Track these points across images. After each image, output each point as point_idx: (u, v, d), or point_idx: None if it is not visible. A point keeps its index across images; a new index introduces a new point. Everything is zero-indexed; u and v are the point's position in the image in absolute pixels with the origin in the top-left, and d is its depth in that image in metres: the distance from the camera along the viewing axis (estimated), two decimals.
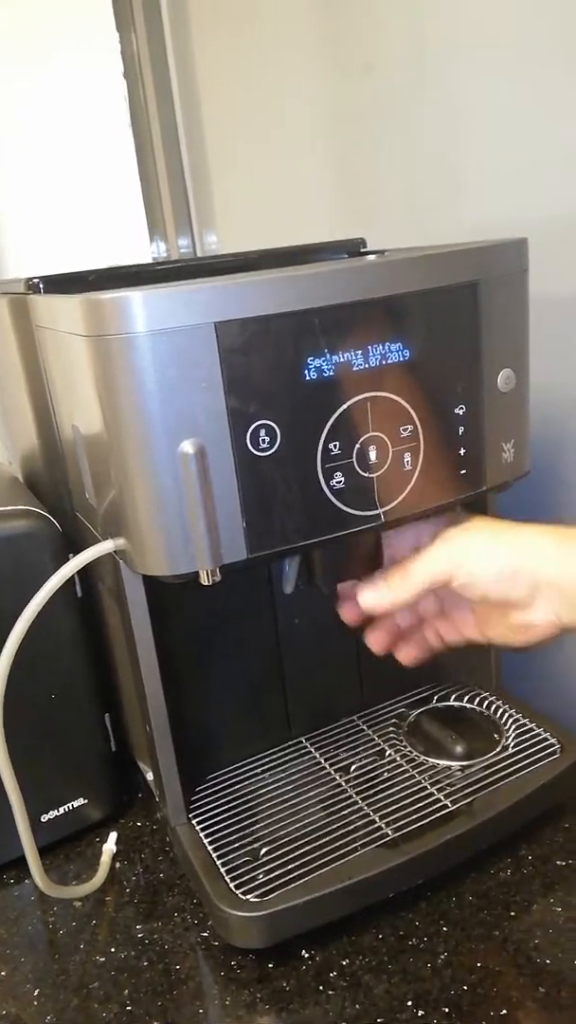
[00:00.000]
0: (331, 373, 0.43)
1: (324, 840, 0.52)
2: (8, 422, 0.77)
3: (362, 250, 0.65)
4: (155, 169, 1.15)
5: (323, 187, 0.85)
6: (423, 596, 0.49)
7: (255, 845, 0.53)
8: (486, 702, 0.64)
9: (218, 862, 0.51)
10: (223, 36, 0.96)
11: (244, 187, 1.00)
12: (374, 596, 0.49)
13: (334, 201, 0.84)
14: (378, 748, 0.61)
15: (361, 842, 0.51)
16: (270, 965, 0.49)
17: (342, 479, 0.45)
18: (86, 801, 0.61)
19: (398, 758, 0.60)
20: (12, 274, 1.06)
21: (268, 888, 0.49)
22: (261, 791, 0.58)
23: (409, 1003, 0.45)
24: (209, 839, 0.53)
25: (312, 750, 0.62)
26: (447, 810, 0.53)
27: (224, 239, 1.09)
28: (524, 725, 0.60)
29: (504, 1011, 0.44)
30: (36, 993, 0.49)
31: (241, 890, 0.49)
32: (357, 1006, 0.45)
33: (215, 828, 0.55)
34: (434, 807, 0.54)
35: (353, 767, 0.59)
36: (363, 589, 0.50)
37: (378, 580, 0.50)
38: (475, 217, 0.66)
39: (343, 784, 0.58)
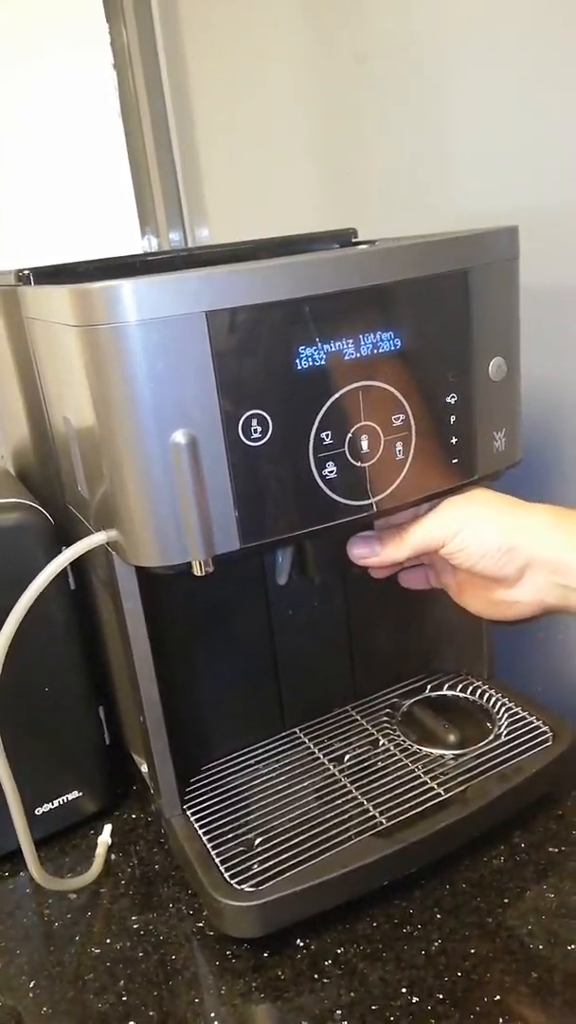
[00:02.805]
0: (323, 362, 0.43)
1: (318, 829, 0.52)
2: (0, 415, 0.77)
3: (353, 240, 0.65)
4: (146, 162, 1.15)
5: (315, 179, 0.84)
6: (415, 558, 0.51)
7: (249, 835, 0.53)
8: (478, 691, 0.64)
9: (212, 852, 0.51)
10: (213, 28, 0.96)
11: (235, 180, 1.00)
12: (367, 552, 0.51)
13: (326, 193, 0.84)
14: (371, 738, 0.61)
15: (355, 831, 0.52)
16: (265, 954, 0.49)
17: (334, 469, 0.45)
18: (80, 794, 0.61)
19: (391, 747, 0.60)
20: (2, 268, 1.06)
21: (263, 878, 0.49)
22: (255, 782, 0.58)
23: (404, 990, 0.45)
24: (203, 830, 0.54)
25: (306, 740, 0.62)
26: (441, 798, 0.53)
27: (216, 233, 1.09)
28: (516, 713, 0.61)
29: (498, 997, 0.44)
30: (32, 985, 0.49)
31: (236, 880, 0.49)
32: (352, 994, 0.45)
33: (209, 819, 0.55)
34: (428, 795, 0.54)
35: (347, 757, 0.59)
36: (356, 543, 0.51)
37: (372, 538, 0.51)
38: (466, 207, 0.66)
39: (337, 774, 0.58)
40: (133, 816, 0.63)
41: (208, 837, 0.53)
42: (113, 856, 0.59)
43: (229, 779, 0.59)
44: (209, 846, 0.52)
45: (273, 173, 0.91)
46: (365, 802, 0.54)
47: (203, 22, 0.98)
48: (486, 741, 0.58)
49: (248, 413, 0.42)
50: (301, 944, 0.49)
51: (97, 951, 0.51)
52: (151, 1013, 0.46)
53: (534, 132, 0.58)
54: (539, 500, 0.66)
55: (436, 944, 0.48)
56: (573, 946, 0.47)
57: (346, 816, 0.53)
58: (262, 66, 0.88)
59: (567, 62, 0.55)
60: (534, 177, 0.60)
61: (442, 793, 0.54)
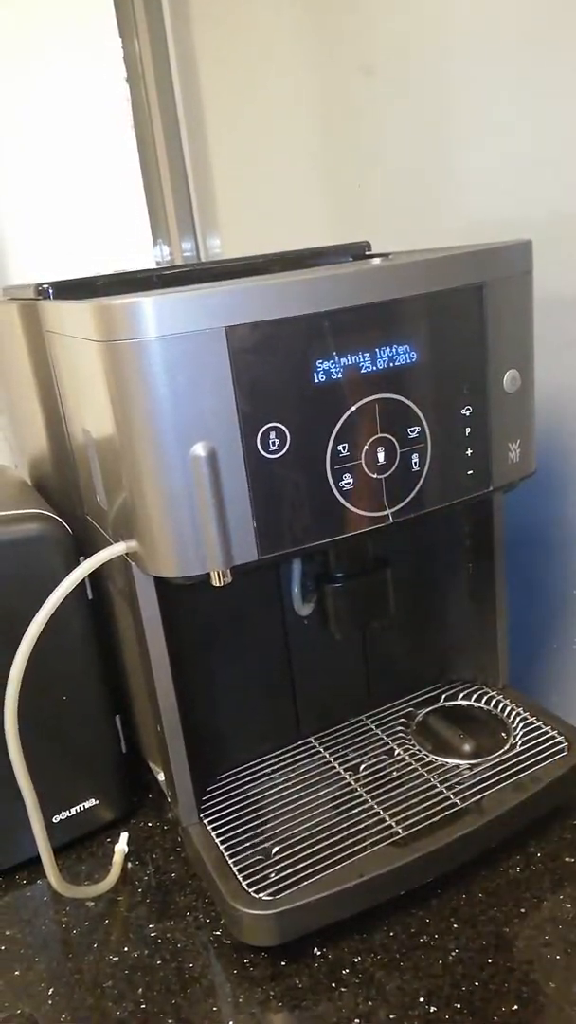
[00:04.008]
0: (339, 376, 0.44)
1: (335, 838, 0.52)
2: (16, 427, 0.77)
3: (367, 253, 0.65)
4: (158, 173, 1.16)
5: (324, 189, 0.85)
6: None
7: (267, 844, 0.53)
8: (493, 701, 0.64)
9: (230, 861, 0.52)
10: (225, 41, 0.97)
11: (247, 191, 1.01)
12: None
13: (335, 202, 0.84)
14: (387, 747, 0.61)
15: (372, 840, 0.52)
16: (283, 963, 0.49)
17: (351, 480, 0.46)
18: (97, 802, 0.61)
19: (407, 757, 0.60)
20: (15, 278, 1.07)
21: (280, 886, 0.49)
22: (271, 791, 0.59)
23: (421, 999, 0.45)
24: (221, 838, 0.54)
25: (321, 750, 0.62)
26: (456, 808, 0.54)
27: (227, 243, 1.09)
28: (531, 723, 0.61)
29: (516, 1007, 0.44)
30: (51, 992, 0.49)
31: (253, 888, 0.49)
32: (370, 1003, 0.46)
33: (226, 827, 0.55)
34: (444, 805, 0.54)
35: (362, 766, 0.60)
36: None
37: None
38: (474, 216, 0.67)
39: (353, 783, 0.58)
40: (149, 824, 0.63)
41: (225, 845, 0.53)
42: (130, 864, 0.59)
43: (245, 788, 0.59)
44: (226, 854, 0.52)
45: (283, 183, 0.92)
46: (381, 811, 0.54)
47: (215, 36, 0.99)
48: (501, 751, 0.58)
49: (266, 426, 0.43)
50: (319, 953, 0.49)
51: (115, 959, 0.51)
52: (169, 1021, 0.46)
53: (541, 140, 0.59)
54: (551, 512, 0.66)
55: (453, 953, 0.48)
56: None
57: (363, 825, 0.53)
58: (272, 78, 0.89)
59: (573, 69, 0.55)
60: (542, 185, 0.60)
61: (458, 803, 0.54)
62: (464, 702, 0.65)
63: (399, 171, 0.73)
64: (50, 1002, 0.49)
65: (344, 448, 0.45)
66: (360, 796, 0.56)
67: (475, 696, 0.65)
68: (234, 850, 0.53)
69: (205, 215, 1.13)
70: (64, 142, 1.09)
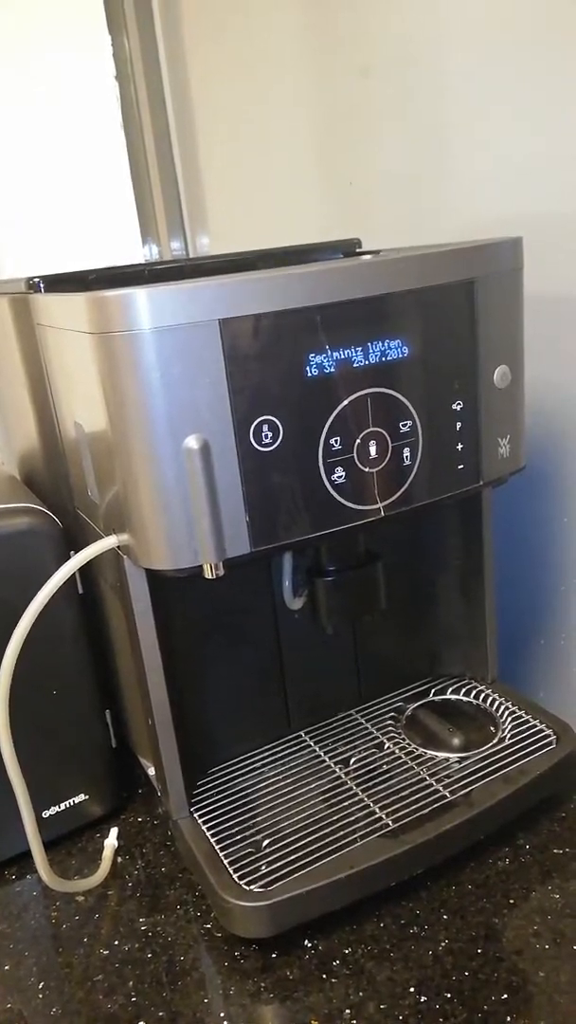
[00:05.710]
0: (332, 370, 0.44)
1: (325, 831, 0.53)
2: (4, 421, 0.77)
3: (357, 250, 0.66)
4: (147, 171, 1.16)
5: (315, 190, 0.85)
6: None
7: (257, 837, 0.53)
8: (482, 695, 0.65)
9: (221, 854, 0.52)
10: (215, 39, 0.97)
11: (236, 189, 1.01)
12: None
13: (326, 203, 0.85)
14: (377, 741, 0.62)
15: (362, 833, 0.52)
16: (273, 955, 0.49)
17: (343, 474, 0.46)
18: (87, 797, 0.61)
19: (397, 751, 0.60)
20: (4, 275, 1.06)
21: (271, 878, 0.49)
22: (262, 784, 0.59)
23: (411, 989, 0.46)
24: (211, 832, 0.54)
25: (311, 744, 0.63)
26: (446, 801, 0.54)
27: (216, 241, 1.10)
28: (520, 717, 0.61)
29: (505, 996, 0.45)
30: (41, 986, 0.49)
31: (244, 881, 0.49)
32: (360, 993, 0.46)
33: (217, 821, 0.55)
34: (433, 798, 0.54)
35: (352, 760, 0.60)
36: None
37: None
38: (468, 218, 0.67)
39: (343, 776, 0.58)
40: (139, 819, 0.63)
41: (216, 839, 0.53)
42: (119, 859, 0.59)
43: (236, 781, 0.59)
44: (217, 847, 0.52)
45: (273, 183, 0.92)
46: (371, 804, 0.55)
47: (205, 33, 0.99)
48: (490, 744, 0.59)
49: (259, 419, 0.43)
50: (309, 945, 0.50)
51: (105, 952, 0.51)
52: (160, 1014, 0.46)
53: (538, 141, 0.59)
54: (540, 507, 0.67)
55: (443, 944, 0.48)
56: None
57: (353, 818, 0.54)
58: (264, 76, 0.89)
59: (569, 73, 0.56)
60: (537, 186, 0.61)
61: (447, 795, 0.54)
62: (453, 697, 0.66)
63: (393, 172, 0.74)
64: (40, 996, 0.49)
65: (336, 442, 0.45)
66: (350, 789, 0.57)
67: (464, 691, 0.66)
68: (225, 843, 0.53)
69: (194, 214, 1.13)
70: (52, 140, 1.09)
